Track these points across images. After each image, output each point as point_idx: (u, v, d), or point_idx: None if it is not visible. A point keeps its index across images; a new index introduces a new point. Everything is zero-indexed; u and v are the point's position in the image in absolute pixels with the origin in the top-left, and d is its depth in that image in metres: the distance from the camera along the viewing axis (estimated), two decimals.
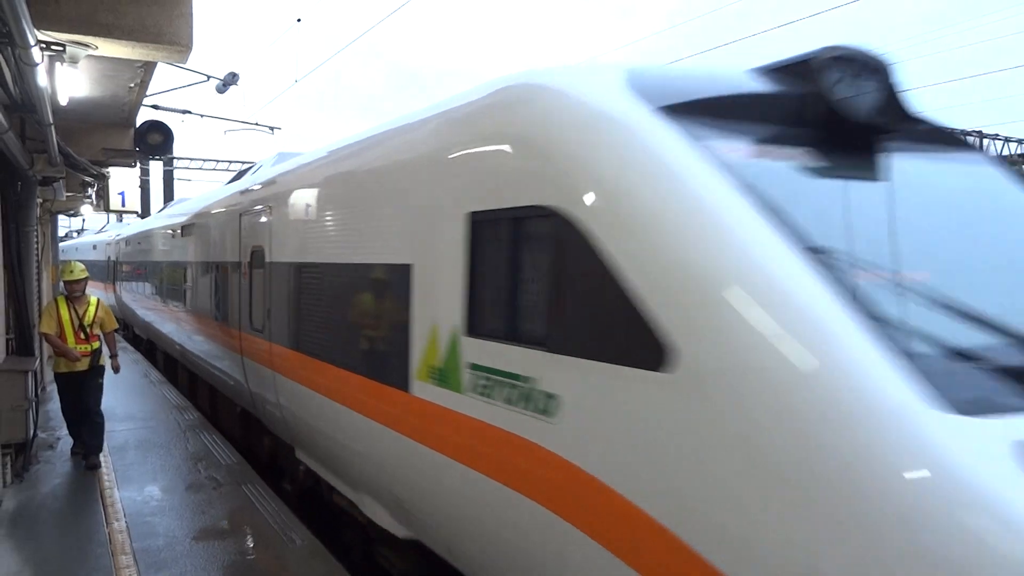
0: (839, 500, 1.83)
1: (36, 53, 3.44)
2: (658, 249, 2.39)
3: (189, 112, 15.53)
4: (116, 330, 8.10)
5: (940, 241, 2.78)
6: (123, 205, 13.00)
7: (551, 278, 2.84)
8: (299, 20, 15.85)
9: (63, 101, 5.05)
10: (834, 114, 2.75)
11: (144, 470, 7.46)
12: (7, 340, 7.25)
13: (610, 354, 2.51)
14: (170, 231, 11.92)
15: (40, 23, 3.90)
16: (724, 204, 2.36)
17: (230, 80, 14.16)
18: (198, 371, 10.42)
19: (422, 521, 4.03)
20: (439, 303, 3.54)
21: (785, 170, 2.70)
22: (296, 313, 5.63)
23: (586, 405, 2.62)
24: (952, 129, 3.66)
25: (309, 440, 5.82)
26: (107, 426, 9.22)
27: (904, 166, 2.95)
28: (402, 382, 3.85)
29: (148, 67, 6.27)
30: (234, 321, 7.52)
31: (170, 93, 20.80)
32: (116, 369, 7.81)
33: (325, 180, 5.39)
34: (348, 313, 4.71)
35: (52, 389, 11.72)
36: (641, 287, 2.38)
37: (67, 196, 11.26)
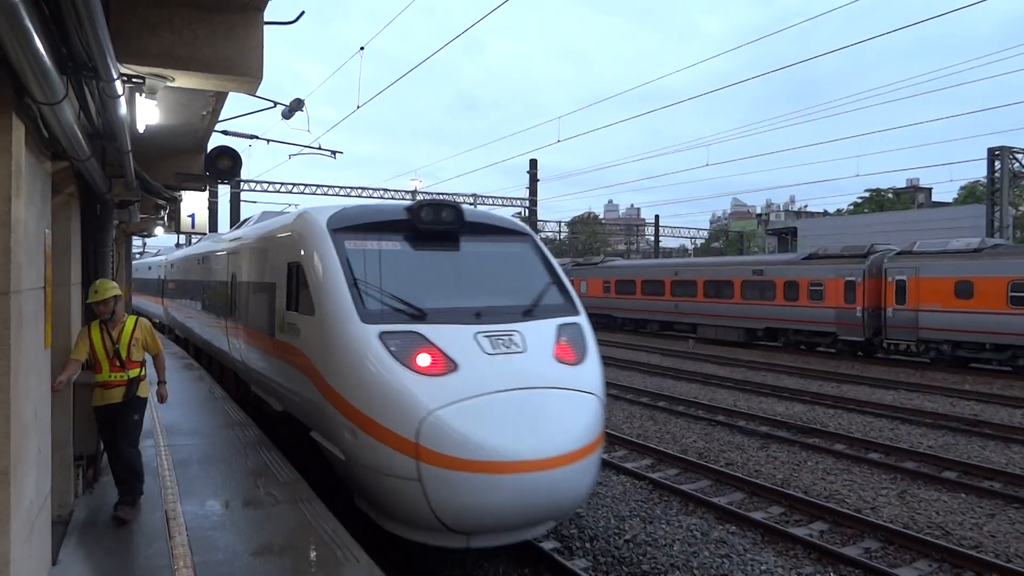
0: (351, 359, 6.06)
1: (118, 86, 3.63)
2: (316, 275, 6.73)
3: (256, 137, 16.08)
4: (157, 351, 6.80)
5: (444, 273, 7.08)
6: (193, 226, 13.51)
7: (299, 286, 7.23)
8: (362, 48, 16.30)
9: (141, 129, 5.32)
10: (417, 225, 7.09)
11: (206, 484, 7.65)
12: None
13: (307, 311, 6.87)
14: (195, 260, 16.81)
15: (122, 57, 4.13)
16: (332, 261, 6.60)
17: (296, 106, 14.63)
18: (204, 346, 15.71)
19: (279, 396, 8.52)
20: (281, 298, 7.94)
21: (370, 250, 6.80)
22: (245, 307, 10.27)
23: (304, 328, 7.02)
24: (492, 223, 7.87)
25: (248, 373, 10.56)
26: (171, 440, 9.50)
27: (451, 242, 7.31)
28: (271, 332, 8.32)
29: (220, 96, 6.55)
30: (224, 314, 11.96)
31: (239, 119, 21.55)
32: (162, 398, 6.94)
33: (251, 242, 10.39)
34: (257, 305, 9.30)
35: None
36: (313, 288, 6.76)
37: (141, 218, 11.76)
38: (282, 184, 38.41)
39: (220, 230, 27.42)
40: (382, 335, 5.94)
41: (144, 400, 6.59)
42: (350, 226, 6.96)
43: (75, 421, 6.55)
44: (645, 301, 33.22)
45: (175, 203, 11.46)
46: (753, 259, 30.41)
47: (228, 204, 38.60)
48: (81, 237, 6.95)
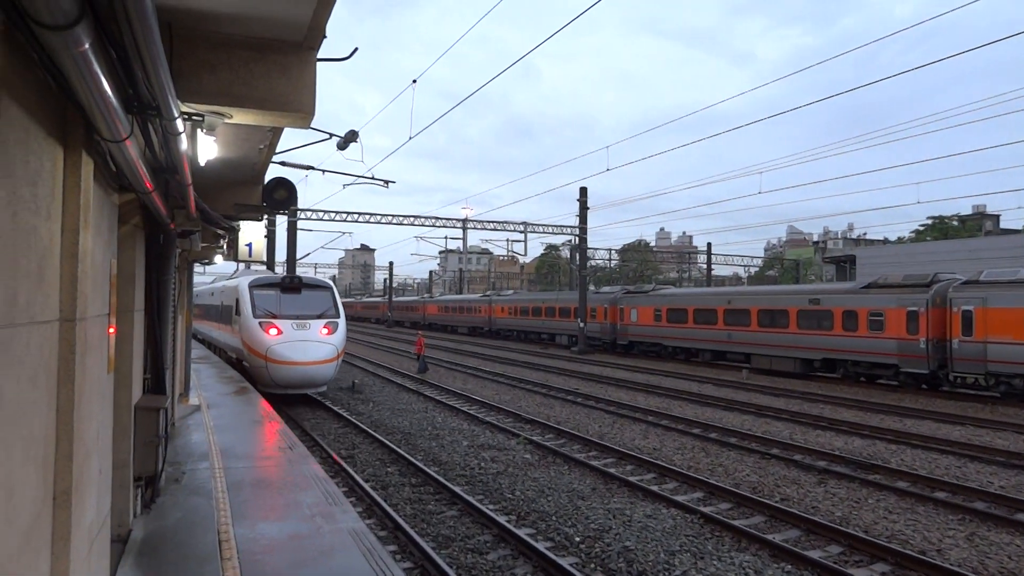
0: (250, 329, 18.77)
1: (180, 123, 3.82)
2: (244, 302, 19.29)
3: (312, 168, 16.58)
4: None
5: (288, 302, 19.41)
6: (250, 255, 13.94)
7: (238, 306, 20.08)
8: (414, 82, 16.70)
9: (201, 163, 5.56)
10: (284, 284, 19.92)
11: (257, 508, 7.80)
12: (144, 379, 7.86)
13: (239, 314, 19.84)
14: (207, 294, 29.37)
15: (183, 96, 4.34)
16: (247, 297, 19.21)
17: (350, 137, 15.06)
18: (215, 343, 27.05)
19: (232, 349, 21.89)
20: (243, 307, 19.31)
21: (262, 294, 19.33)
22: (221, 315, 23.75)
23: (239, 321, 19.81)
24: (314, 283, 20.72)
25: (221, 344, 25.10)
26: (226, 463, 9.73)
27: (295, 291, 19.73)
28: (230, 323, 21.25)
29: (277, 131, 6.80)
30: (228, 322, 21.72)
31: (296, 150, 22.27)
32: None
33: (224, 289, 23.64)
34: (225, 313, 22.40)
35: (182, 424, 12.53)
36: (243, 306, 19.40)
37: (202, 247, 12.20)
38: (336, 213, 39.34)
39: (278, 258, 39.13)
40: (259, 322, 18.50)
41: None
42: (257, 284, 19.61)
43: (135, 443, 6.78)
44: (697, 330, 32.68)
45: (234, 232, 11.86)
46: (810, 288, 29.68)
47: (286, 233, 39.69)
48: (145, 265, 7.26)
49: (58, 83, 2.91)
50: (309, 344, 18.33)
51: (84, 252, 3.55)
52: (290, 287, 19.59)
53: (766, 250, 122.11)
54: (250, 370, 19.32)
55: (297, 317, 18.78)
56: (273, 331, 18.22)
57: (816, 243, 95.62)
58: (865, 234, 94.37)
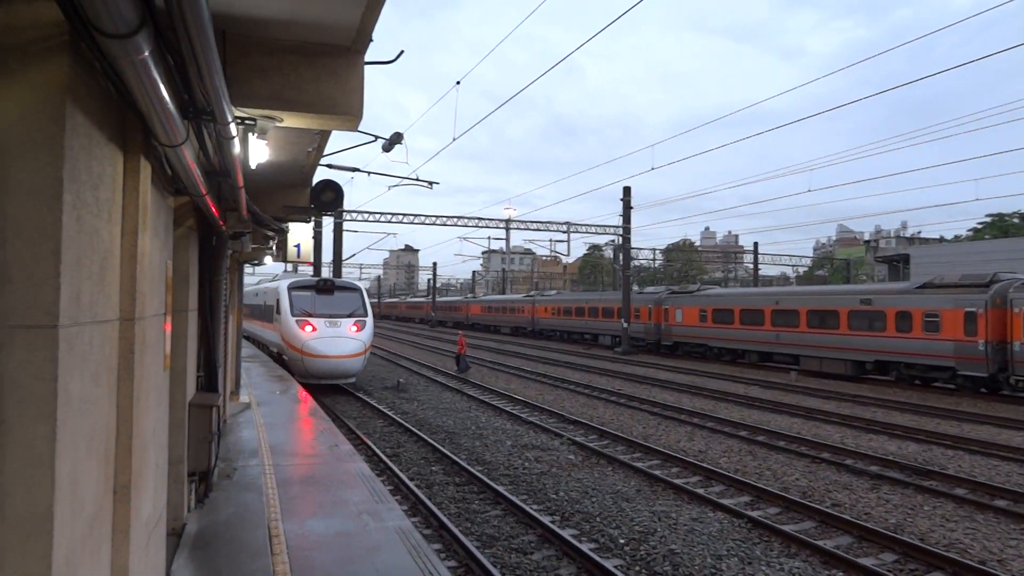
0: (288, 327, 21.28)
1: (233, 128, 3.92)
2: (284, 302, 21.66)
3: (358, 170, 16.83)
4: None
5: (322, 302, 21.81)
6: (299, 256, 14.22)
7: (279, 305, 22.53)
8: (458, 83, 16.80)
9: (253, 166, 5.69)
10: (318, 286, 22.21)
11: (306, 505, 7.95)
12: (197, 377, 8.08)
13: (279, 313, 22.35)
14: (251, 294, 30.90)
15: (236, 101, 4.45)
16: (287, 297, 21.61)
17: (395, 140, 15.24)
18: (260, 342, 29.67)
19: (274, 345, 24.83)
20: (283, 306, 21.74)
21: (299, 295, 21.75)
22: (265, 314, 26.41)
23: (278, 319, 22.54)
24: (345, 284, 23.28)
25: (263, 340, 28.48)
26: (275, 460, 9.92)
27: (328, 292, 22.11)
28: (271, 322, 24.00)
29: (324, 134, 6.93)
30: (270, 320, 24.52)
31: (343, 153, 22.64)
32: None
33: (267, 290, 26.85)
34: (267, 312, 25.72)
35: (233, 422, 12.84)
36: (282, 305, 21.84)
37: (252, 248, 12.48)
38: (381, 214, 39.84)
39: (324, 259, 39.21)
40: (296, 320, 20.96)
41: None
42: (295, 286, 22.04)
43: (189, 439, 6.97)
44: (743, 331, 32.14)
45: (283, 234, 12.11)
46: (861, 288, 28.93)
47: (332, 234, 40.36)
48: (199, 266, 7.46)
49: (118, 90, 3.01)
50: (340, 340, 20.86)
51: (143, 253, 3.66)
52: (324, 289, 22.12)
53: (815, 249, 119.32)
54: (288, 363, 22.06)
55: (330, 316, 21.25)
56: (308, 328, 20.77)
57: (867, 242, 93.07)
58: (919, 233, 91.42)
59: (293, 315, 21.13)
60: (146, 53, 2.37)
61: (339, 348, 20.73)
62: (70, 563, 2.61)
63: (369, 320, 21.94)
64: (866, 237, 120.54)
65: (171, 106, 3.00)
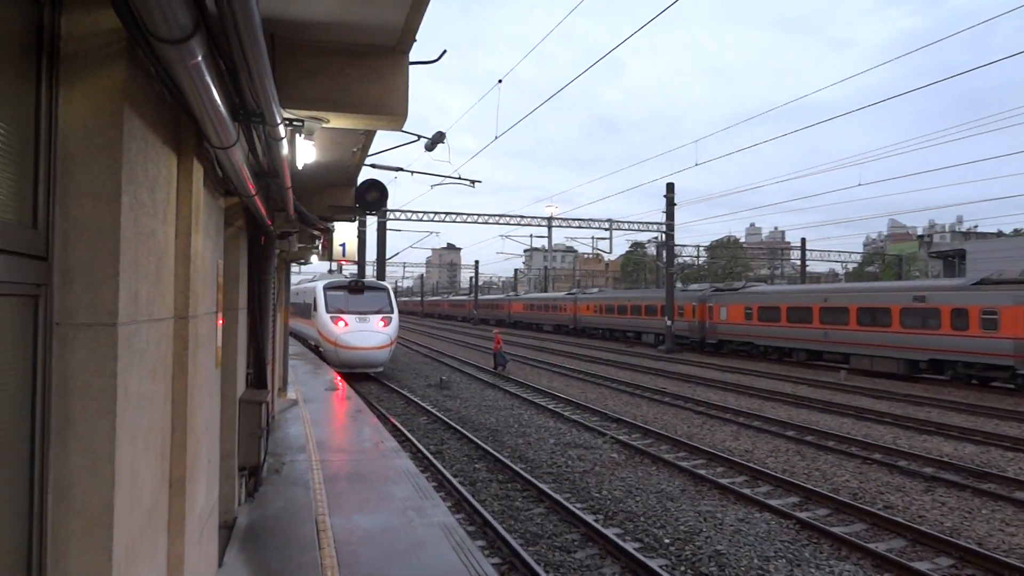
0: (324, 323, 24.19)
1: (281, 129, 3.99)
2: (320, 300, 24.70)
3: (401, 169, 16.99)
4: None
5: (353, 300, 24.76)
6: (344, 255, 14.44)
7: (315, 303, 25.21)
8: (500, 81, 16.82)
9: (300, 167, 5.79)
10: (350, 286, 25.32)
11: (352, 500, 8.07)
12: (247, 374, 8.26)
13: (316, 310, 25.06)
14: (294, 292, 30.72)
15: (284, 103, 4.53)
16: (322, 297, 24.63)
17: (437, 139, 15.35)
18: (300, 336, 32.23)
19: (312, 339, 27.48)
20: (319, 304, 24.66)
21: (333, 294, 24.74)
22: (305, 311, 28.33)
23: (315, 315, 25.01)
24: (373, 284, 26.52)
25: (304, 335, 30.98)
26: (322, 456, 10.09)
27: (359, 292, 25.12)
28: (310, 317, 26.23)
29: (369, 134, 7.01)
30: (308, 316, 26.73)
31: (386, 153, 22.88)
32: None
33: (306, 290, 29.04)
34: (305, 310, 28.01)
35: (281, 418, 13.10)
36: (317, 303, 24.90)
37: (298, 247, 12.71)
38: (424, 213, 40.16)
39: (368, 257, 42.18)
40: (331, 316, 23.84)
41: None
42: (329, 286, 25.07)
43: (239, 435, 7.14)
44: (791, 329, 31.49)
45: (328, 233, 12.30)
46: (914, 284, 28.03)
47: (376, 233, 40.84)
48: (247, 266, 7.63)
49: (172, 94, 3.09)
50: (368, 334, 23.79)
51: (195, 253, 3.76)
52: (355, 288, 25.23)
53: (865, 245, 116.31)
54: (323, 354, 25.20)
55: (360, 312, 24.16)
56: (341, 323, 23.71)
57: (921, 237, 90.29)
58: (976, 227, 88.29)
59: (328, 312, 23.99)
60: (199, 57, 2.42)
61: (368, 341, 23.63)
62: (130, 554, 2.69)
63: (395, 316, 24.78)
64: (919, 232, 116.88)
65: (223, 109, 3.06)
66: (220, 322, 5.35)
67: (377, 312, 24.31)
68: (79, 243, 2.44)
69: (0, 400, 2.05)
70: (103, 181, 2.47)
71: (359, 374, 24.04)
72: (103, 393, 2.46)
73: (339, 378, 19.85)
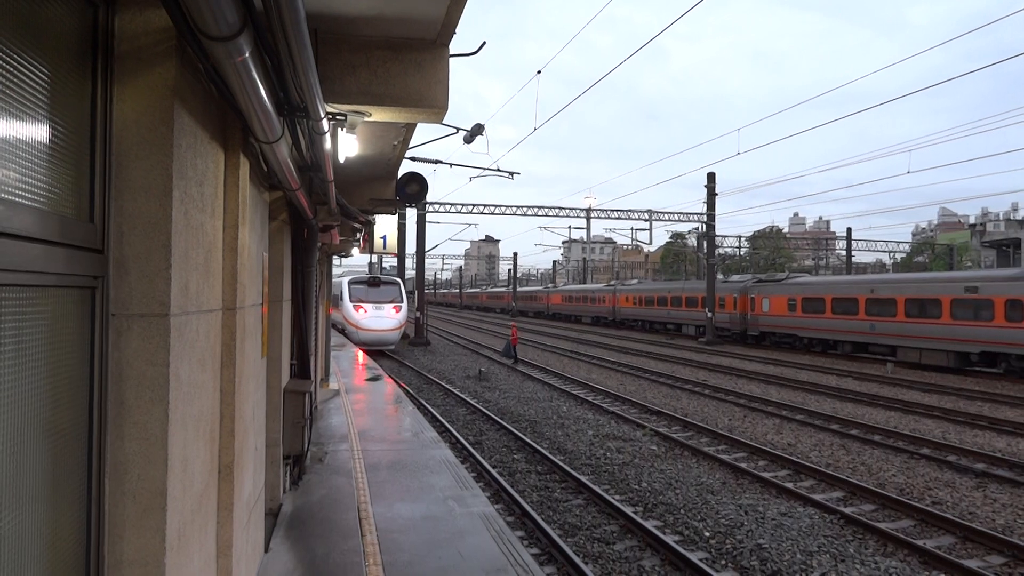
0: (349, 310, 30.07)
1: (324, 124, 4.05)
2: (345, 293, 30.51)
3: (440, 162, 17.10)
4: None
5: (372, 292, 31.01)
6: (384, 247, 14.59)
7: (341, 295, 31.17)
8: (539, 72, 16.77)
9: (342, 160, 5.88)
10: (369, 281, 31.91)
11: (393, 489, 8.19)
12: (291, 364, 8.43)
13: (343, 300, 30.74)
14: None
15: (327, 97, 4.60)
16: (346, 289, 30.59)
17: (476, 131, 15.39)
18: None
19: (340, 326, 32.47)
20: (344, 295, 30.58)
21: (356, 287, 30.98)
22: (335, 301, 31.35)
23: (341, 305, 30.71)
24: (387, 279, 32.93)
25: (335, 325, 33.42)
26: (363, 445, 10.24)
27: (376, 285, 31.55)
28: (338, 307, 31.23)
29: (410, 127, 7.07)
30: (336, 306, 31.68)
31: (426, 145, 23.08)
32: None
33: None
34: (336, 301, 31.36)
35: (323, 408, 13.34)
36: (343, 295, 30.64)
37: (340, 240, 12.88)
38: (463, 205, 40.33)
39: (408, 250, 45.81)
40: (353, 305, 29.91)
41: None
42: (353, 281, 31.48)
43: (284, 424, 7.29)
44: (836, 320, 30.85)
45: (370, 226, 12.44)
46: (966, 275, 27.17)
47: (415, 225, 41.16)
48: (291, 258, 7.77)
49: (220, 91, 3.16)
50: (382, 319, 30.08)
51: (242, 246, 3.85)
52: (373, 283, 31.65)
53: (914, 234, 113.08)
54: (347, 335, 31.13)
55: (376, 302, 30.34)
56: (361, 311, 29.89)
57: (973, 226, 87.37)
58: None
59: (351, 301, 30.24)
60: (247, 54, 2.48)
61: (382, 324, 30.09)
62: (182, 537, 2.78)
63: (404, 305, 31.43)
64: (971, 221, 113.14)
65: (268, 104, 3.12)
66: (265, 312, 5.47)
67: (390, 302, 30.80)
68: (133, 236, 2.52)
69: (61, 388, 2.13)
70: (155, 176, 2.54)
71: (376, 351, 30.38)
72: (156, 381, 2.54)
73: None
